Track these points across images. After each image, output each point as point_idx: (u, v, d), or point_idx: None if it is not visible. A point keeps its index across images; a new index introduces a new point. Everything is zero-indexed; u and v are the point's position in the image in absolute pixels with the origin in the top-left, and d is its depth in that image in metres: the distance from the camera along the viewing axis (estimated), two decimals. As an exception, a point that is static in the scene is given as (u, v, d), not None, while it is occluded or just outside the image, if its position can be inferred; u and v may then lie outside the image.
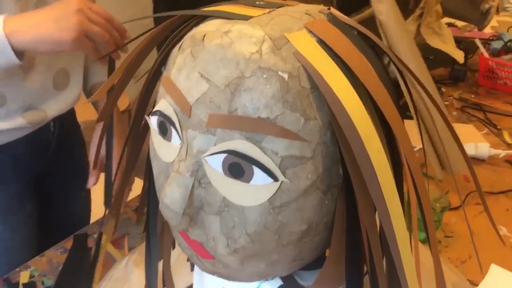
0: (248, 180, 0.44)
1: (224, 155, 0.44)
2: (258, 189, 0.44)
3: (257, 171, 0.43)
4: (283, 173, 0.44)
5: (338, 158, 0.46)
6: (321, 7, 0.51)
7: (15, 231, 1.10)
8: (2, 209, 1.07)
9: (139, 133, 0.61)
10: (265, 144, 0.43)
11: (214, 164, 0.45)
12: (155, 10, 1.61)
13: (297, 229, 0.46)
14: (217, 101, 0.44)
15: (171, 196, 0.45)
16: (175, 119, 0.47)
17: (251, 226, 0.45)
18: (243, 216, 0.45)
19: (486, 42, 2.14)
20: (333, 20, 0.48)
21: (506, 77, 1.89)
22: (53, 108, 1.06)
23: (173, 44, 0.53)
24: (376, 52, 0.50)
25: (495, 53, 2.03)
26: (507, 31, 2.23)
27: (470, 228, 1.05)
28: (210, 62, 0.45)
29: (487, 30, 2.14)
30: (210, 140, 0.45)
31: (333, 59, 0.44)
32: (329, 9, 0.50)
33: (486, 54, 1.97)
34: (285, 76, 0.43)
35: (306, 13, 0.48)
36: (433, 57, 1.93)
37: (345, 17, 0.50)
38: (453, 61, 1.72)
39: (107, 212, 1.02)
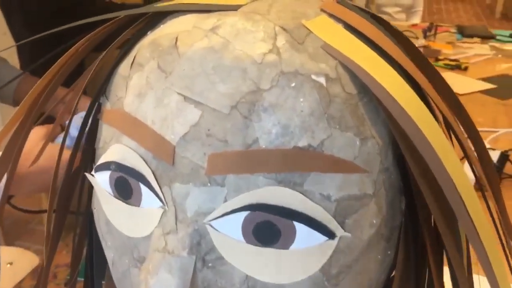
0: (286, 245, 0.29)
1: (245, 213, 0.29)
2: (305, 255, 0.29)
3: (301, 229, 0.29)
4: (341, 225, 0.29)
5: (400, 188, 0.32)
6: None
7: None
8: None
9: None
10: (309, 186, 0.28)
11: (228, 230, 0.29)
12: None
13: None
14: (220, 132, 0.28)
15: None
16: (145, 171, 0.31)
17: None
18: None
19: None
20: (341, 1, 0.35)
21: None
22: None
23: (109, 63, 0.36)
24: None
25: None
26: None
27: None
28: (196, 76, 0.29)
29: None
30: (216, 195, 0.29)
31: (374, 51, 0.30)
32: None
33: None
34: (322, 80, 0.29)
35: None
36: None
37: None
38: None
39: None
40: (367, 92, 0.30)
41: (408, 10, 3.47)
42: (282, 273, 0.30)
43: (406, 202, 0.32)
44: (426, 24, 2.89)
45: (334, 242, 0.29)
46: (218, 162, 0.29)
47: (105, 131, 0.34)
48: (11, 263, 1.09)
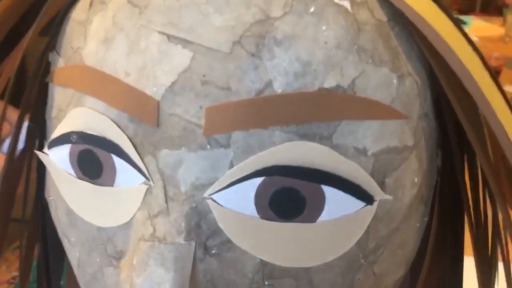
0: (313, 217, 0.23)
1: (258, 180, 0.22)
2: (337, 228, 0.23)
3: (331, 195, 0.22)
4: (380, 186, 0.23)
5: (437, 139, 0.26)
6: None
7: None
8: None
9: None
10: (339, 139, 0.22)
11: (237, 204, 0.23)
12: None
13: (395, 277, 0.26)
14: (220, 78, 0.22)
15: None
16: (120, 138, 0.24)
17: None
18: None
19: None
20: None
21: None
22: None
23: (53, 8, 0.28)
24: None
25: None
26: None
27: None
28: (183, 8, 0.22)
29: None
30: (219, 160, 0.23)
31: None
32: None
33: None
34: (346, 4, 0.23)
35: None
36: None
37: None
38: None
39: None
40: (398, 20, 0.24)
41: None
42: (308, 254, 0.23)
43: (442, 156, 0.27)
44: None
45: (373, 208, 0.23)
46: (219, 116, 0.22)
47: (59, 95, 0.27)
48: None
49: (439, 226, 0.27)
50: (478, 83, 0.22)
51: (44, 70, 0.28)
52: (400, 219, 0.25)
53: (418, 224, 0.26)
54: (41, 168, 0.30)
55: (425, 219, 0.27)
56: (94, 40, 0.24)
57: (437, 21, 0.23)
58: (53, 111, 0.27)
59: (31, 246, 0.34)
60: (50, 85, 0.28)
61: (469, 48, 0.24)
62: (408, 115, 0.24)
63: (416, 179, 0.25)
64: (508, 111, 0.24)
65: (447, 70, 0.23)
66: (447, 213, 0.28)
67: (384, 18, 0.23)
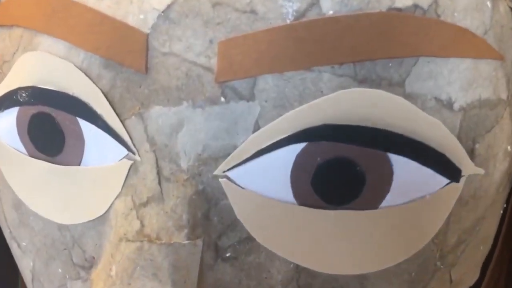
0: (374, 203, 0.16)
1: (297, 148, 0.16)
2: (406, 216, 0.16)
3: (403, 168, 0.16)
4: (470, 155, 0.16)
5: None
6: None
7: None
8: None
9: None
10: (415, 86, 0.16)
11: (264, 184, 0.16)
12: None
13: (470, 283, 0.20)
14: None
15: None
16: (91, 93, 0.17)
17: None
18: None
19: None
20: None
21: None
22: None
23: None
24: None
25: None
26: None
27: None
28: None
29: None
30: (237, 120, 0.16)
31: None
32: None
33: None
34: None
35: None
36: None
37: None
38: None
39: None
40: None
41: None
42: (365, 256, 0.17)
43: None
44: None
45: (459, 187, 0.16)
46: (239, 53, 0.15)
47: (4, 42, 0.20)
48: None
49: None
50: None
51: None
52: (488, 203, 0.18)
53: (501, 211, 0.20)
54: None
55: (505, 205, 0.20)
56: None
57: None
58: None
59: None
60: None
61: None
62: (503, 55, 0.17)
63: (509, 147, 0.18)
64: None
65: None
66: None
67: None
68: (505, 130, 0.18)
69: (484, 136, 0.17)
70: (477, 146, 0.17)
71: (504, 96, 0.17)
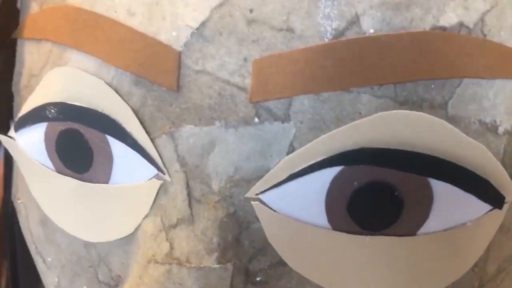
0: (413, 228, 0.16)
1: (333, 172, 0.15)
2: (446, 243, 0.16)
3: (444, 193, 0.16)
4: None
5: None
6: None
7: None
8: None
9: None
10: (458, 108, 0.16)
11: (298, 208, 0.16)
12: None
13: None
14: (276, 12, 0.15)
15: None
16: (121, 111, 0.17)
17: None
18: None
19: None
20: None
21: None
22: None
23: None
24: None
25: None
26: None
27: None
28: None
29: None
30: (272, 141, 0.16)
31: None
32: None
33: None
34: None
35: None
36: None
37: None
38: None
39: None
40: None
41: None
42: (402, 283, 0.16)
43: None
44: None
45: (501, 214, 0.16)
46: (275, 73, 0.15)
47: (31, 55, 0.19)
48: None
49: None
50: None
51: (9, 24, 0.20)
52: None
53: None
54: (8, 161, 0.22)
55: None
56: None
57: None
58: (22, 79, 0.20)
59: None
60: (19, 43, 0.20)
61: None
62: None
63: None
64: None
65: None
66: None
67: None
68: None
69: None
70: None
71: None
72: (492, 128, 0.16)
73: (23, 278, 0.27)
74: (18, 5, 0.20)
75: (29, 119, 0.19)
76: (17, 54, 0.21)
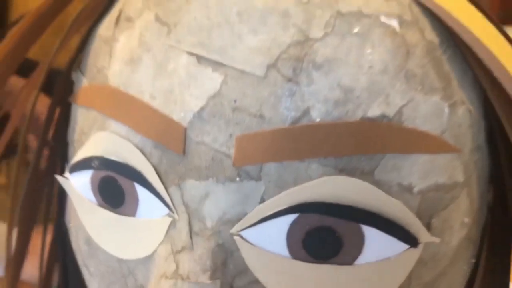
0: (350, 259, 0.21)
1: (292, 217, 0.21)
2: (376, 272, 0.21)
3: (372, 235, 0.21)
4: (427, 227, 0.21)
5: (490, 174, 0.24)
6: None
7: None
8: None
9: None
10: (382, 174, 0.20)
11: (267, 242, 0.21)
12: None
13: None
14: (253, 104, 0.20)
15: None
16: (144, 166, 0.22)
17: None
18: None
19: None
20: None
21: None
22: None
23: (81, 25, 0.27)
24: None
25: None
26: None
27: None
28: (214, 28, 0.21)
29: None
30: (249, 194, 0.21)
31: None
32: None
33: None
34: (395, 24, 0.21)
35: None
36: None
37: None
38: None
39: None
40: (450, 42, 0.22)
41: None
42: None
43: (493, 192, 0.24)
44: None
45: (417, 252, 0.21)
46: (251, 146, 0.20)
47: (83, 117, 0.25)
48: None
49: (487, 267, 0.25)
50: None
51: (67, 89, 0.27)
52: (447, 263, 0.22)
53: (465, 268, 0.24)
54: (62, 192, 0.28)
55: (473, 260, 0.24)
56: (119, 60, 0.23)
57: (494, 44, 0.21)
58: (75, 134, 0.26)
59: (49, 274, 0.32)
60: (73, 105, 0.26)
61: None
62: (460, 148, 0.21)
63: (466, 219, 0.22)
64: None
65: (505, 99, 0.21)
66: (497, 253, 0.25)
67: (436, 39, 0.21)
68: (461, 206, 0.22)
69: (440, 213, 0.21)
70: (433, 220, 0.21)
71: (461, 179, 0.22)
72: (408, 189, 0.20)
73: (72, 282, 0.33)
74: (74, 77, 0.27)
75: (79, 166, 0.24)
76: (72, 112, 0.27)
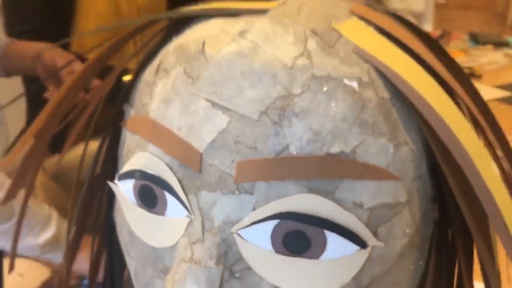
0: (317, 255, 0.28)
1: (274, 222, 0.28)
2: (336, 265, 0.28)
3: (332, 238, 0.28)
4: (374, 234, 0.28)
5: (433, 196, 0.31)
6: None
7: None
8: None
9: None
10: (341, 194, 0.27)
11: (257, 239, 0.28)
12: None
13: None
14: (249, 139, 0.27)
15: None
16: (171, 179, 0.30)
17: None
18: None
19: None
20: (370, 4, 0.34)
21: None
22: None
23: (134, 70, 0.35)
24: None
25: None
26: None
27: None
28: (224, 82, 0.28)
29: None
30: (244, 203, 0.28)
31: (406, 54, 0.30)
32: None
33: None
34: (355, 85, 0.28)
35: None
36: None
37: None
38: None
39: None
40: (400, 97, 0.29)
41: (420, 18, 3.44)
42: (312, 284, 0.29)
43: (438, 210, 0.31)
44: (438, 32, 2.86)
45: (366, 252, 0.28)
46: (246, 169, 0.28)
47: (129, 139, 0.33)
48: (21, 275, 1.07)
49: (436, 270, 0.32)
50: (477, 168, 0.26)
51: (118, 116, 0.35)
52: (392, 263, 0.29)
53: (411, 267, 0.31)
54: (111, 194, 0.37)
55: (420, 262, 0.31)
56: (157, 99, 0.31)
57: (434, 98, 0.28)
58: (124, 150, 0.34)
59: (99, 255, 0.41)
60: (123, 129, 0.35)
61: (469, 130, 0.28)
62: (402, 177, 0.28)
63: (407, 230, 0.29)
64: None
65: (441, 147, 0.27)
66: (443, 258, 0.32)
67: (387, 95, 0.28)
68: (403, 220, 0.29)
69: (385, 224, 0.28)
70: (379, 229, 0.28)
71: (403, 200, 0.29)
72: (360, 206, 0.27)
73: (117, 263, 0.42)
74: (124, 108, 0.35)
75: (125, 176, 0.32)
76: (122, 134, 0.35)
